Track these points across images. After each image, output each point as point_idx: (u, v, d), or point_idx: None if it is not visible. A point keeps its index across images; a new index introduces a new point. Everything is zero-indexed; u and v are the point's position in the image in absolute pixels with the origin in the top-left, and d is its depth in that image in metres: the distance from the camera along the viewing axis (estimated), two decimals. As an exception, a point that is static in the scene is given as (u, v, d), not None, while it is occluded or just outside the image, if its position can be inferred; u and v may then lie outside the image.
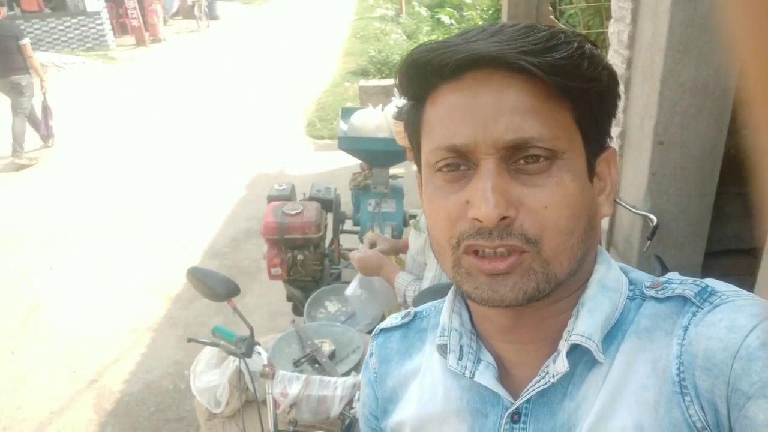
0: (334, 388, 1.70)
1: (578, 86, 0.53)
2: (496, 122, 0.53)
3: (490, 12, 10.09)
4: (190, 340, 1.79)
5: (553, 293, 0.57)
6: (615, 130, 2.79)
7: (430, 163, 0.58)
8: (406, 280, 1.83)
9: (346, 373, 1.85)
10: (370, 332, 2.23)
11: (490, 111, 0.53)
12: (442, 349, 0.65)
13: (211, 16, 16.77)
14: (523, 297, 0.55)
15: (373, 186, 2.68)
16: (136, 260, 4.52)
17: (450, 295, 0.67)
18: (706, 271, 2.81)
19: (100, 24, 13.73)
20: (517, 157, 0.54)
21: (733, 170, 2.97)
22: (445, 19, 11.69)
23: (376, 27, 13.29)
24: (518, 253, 0.54)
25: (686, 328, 0.53)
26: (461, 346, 0.64)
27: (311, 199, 2.80)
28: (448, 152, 0.55)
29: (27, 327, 3.73)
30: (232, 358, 1.82)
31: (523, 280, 0.54)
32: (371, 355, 0.78)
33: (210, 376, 1.86)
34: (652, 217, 2.46)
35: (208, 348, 1.92)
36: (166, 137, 7.43)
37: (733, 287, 0.56)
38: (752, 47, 0.21)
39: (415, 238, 1.91)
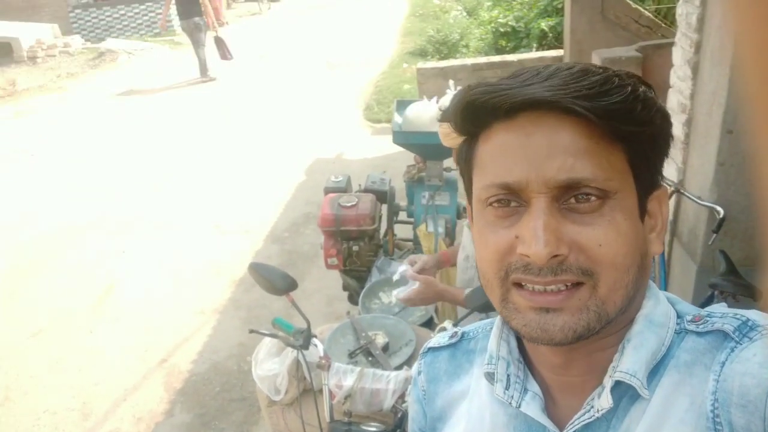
0: (387, 381, 1.75)
1: (631, 130, 0.53)
2: (549, 162, 0.53)
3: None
4: (251, 331, 1.88)
5: (603, 330, 0.57)
6: (681, 117, 2.68)
7: (482, 198, 0.59)
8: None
9: (398, 367, 1.90)
10: (422, 325, 2.28)
11: (543, 151, 0.54)
12: (490, 377, 0.66)
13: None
14: (573, 336, 0.55)
15: (427, 179, 2.69)
16: (200, 245, 4.73)
17: (498, 322, 0.68)
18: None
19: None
20: (568, 196, 0.54)
21: None
22: (506, -7, 11.36)
23: (436, 3, 13.10)
24: (573, 288, 0.55)
25: (723, 364, 0.53)
26: (508, 375, 0.65)
27: (366, 190, 2.84)
28: (499, 189, 0.56)
29: (102, 308, 3.99)
30: (290, 348, 1.90)
31: (574, 318, 0.55)
32: (419, 372, 0.80)
33: (270, 364, 1.95)
34: (719, 208, 2.36)
35: (268, 337, 2.01)
36: (227, 123, 7.65)
37: None
38: (752, 49, 0.21)
39: (471, 237, 1.90)
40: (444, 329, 1.68)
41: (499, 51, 8.61)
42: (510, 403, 0.64)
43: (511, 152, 0.55)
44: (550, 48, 7.62)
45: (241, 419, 2.95)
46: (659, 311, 0.60)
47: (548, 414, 0.63)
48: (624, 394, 0.58)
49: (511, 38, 8.94)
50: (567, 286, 0.54)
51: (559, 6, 8.38)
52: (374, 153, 6.03)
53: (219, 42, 9.18)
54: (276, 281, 1.79)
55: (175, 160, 6.58)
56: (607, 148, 0.54)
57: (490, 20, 10.00)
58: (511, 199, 0.56)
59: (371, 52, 10.53)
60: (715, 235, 2.39)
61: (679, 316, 0.61)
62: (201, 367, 3.34)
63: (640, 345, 0.58)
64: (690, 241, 2.75)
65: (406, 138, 2.45)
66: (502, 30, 9.11)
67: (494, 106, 0.55)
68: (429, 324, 2.30)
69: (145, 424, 2.97)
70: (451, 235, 2.69)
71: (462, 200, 2.84)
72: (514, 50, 8.39)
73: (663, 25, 5.71)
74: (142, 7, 14.15)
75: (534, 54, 7.14)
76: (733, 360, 0.53)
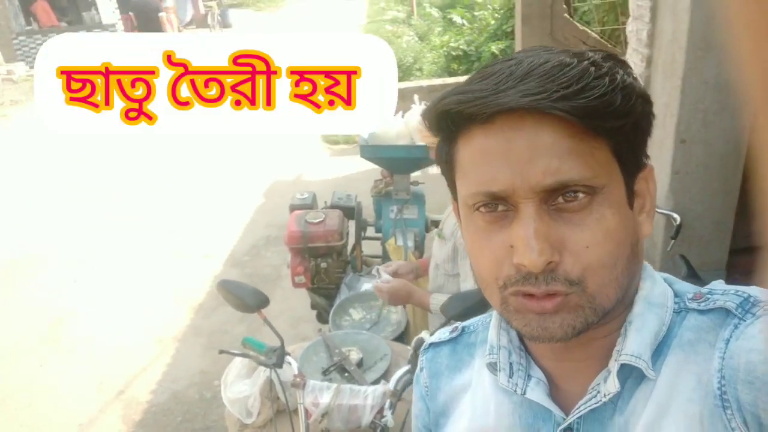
0: (364, 396, 1.70)
1: (613, 124, 0.52)
2: (533, 166, 0.52)
3: (502, 11, 10.05)
4: (221, 352, 1.81)
5: (602, 319, 0.57)
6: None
7: (468, 204, 0.58)
8: (443, 298, 1.83)
9: (375, 381, 1.86)
10: (395, 339, 2.24)
11: (525, 155, 0.52)
12: (492, 367, 0.66)
13: (224, 24, 16.91)
14: (572, 332, 0.55)
15: (395, 192, 2.69)
16: (157, 271, 4.57)
17: (496, 313, 0.67)
18: (730, 269, 2.78)
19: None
20: (555, 196, 0.54)
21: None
22: (457, 19, 11.65)
23: (388, 30, 13.31)
24: (564, 296, 0.55)
25: (728, 341, 0.53)
26: (511, 363, 0.65)
27: (333, 207, 2.81)
28: (485, 197, 0.56)
29: (54, 340, 3.79)
30: (262, 368, 1.83)
31: (571, 316, 0.55)
32: (422, 369, 0.79)
33: (241, 386, 1.87)
34: (676, 215, 2.44)
35: (238, 358, 1.94)
36: (182, 147, 7.50)
37: None
38: (751, 48, 0.20)
39: (440, 247, 1.91)
40: (422, 340, 1.66)
41: (452, 74, 8.81)
42: (515, 391, 0.63)
43: (493, 159, 0.54)
44: (501, 70, 7.83)
45: (206, 449, 2.83)
46: (657, 292, 0.60)
47: (553, 399, 0.63)
48: (628, 375, 0.58)
49: (462, 62, 9.18)
50: (557, 294, 0.54)
51: (508, 30, 8.66)
52: (334, 174, 6.01)
53: None
54: (247, 298, 1.73)
55: (128, 186, 6.39)
56: (590, 144, 0.53)
57: (442, 44, 10.24)
58: (499, 203, 0.55)
59: (326, 75, 10.56)
60: (673, 241, 2.46)
61: (677, 296, 0.61)
62: (161, 397, 3.19)
63: (641, 327, 0.58)
64: (649, 249, 2.83)
65: (373, 152, 2.45)
66: (453, 54, 9.35)
67: (470, 115, 0.54)
68: (402, 338, 2.27)
69: (103, 460, 2.81)
70: (420, 248, 2.68)
71: (430, 214, 2.85)
72: (466, 73, 8.60)
73: (609, 45, 5.96)
74: (89, 33, 13.87)
75: (487, 75, 7.32)
76: (738, 337, 0.53)
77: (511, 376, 0.64)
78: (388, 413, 1.65)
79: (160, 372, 3.38)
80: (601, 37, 6.05)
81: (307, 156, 6.85)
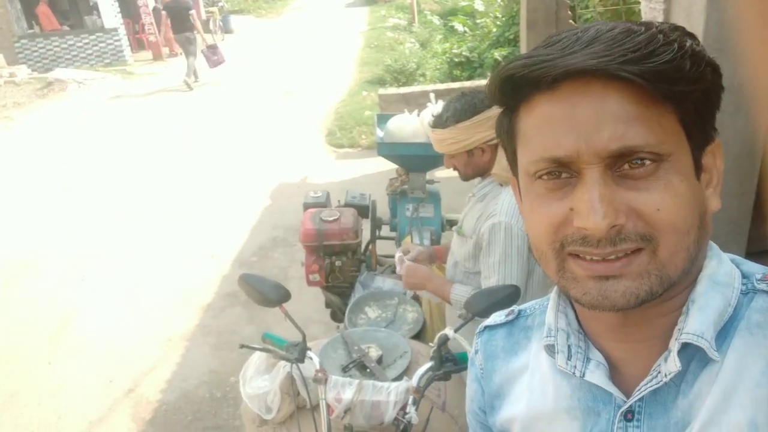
0: (387, 393, 1.69)
1: (682, 89, 0.51)
2: (598, 132, 0.51)
3: (504, 19, 10.10)
4: (242, 347, 1.79)
5: (665, 293, 0.55)
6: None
7: (530, 173, 0.57)
8: (467, 291, 1.81)
9: (396, 378, 1.84)
10: (412, 337, 2.23)
11: (591, 121, 0.52)
12: (550, 350, 0.65)
13: (226, 29, 16.97)
14: (635, 301, 0.53)
15: (410, 191, 2.68)
16: (165, 271, 4.55)
17: (554, 295, 0.67)
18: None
19: (118, 40, 13.98)
20: (621, 163, 0.52)
21: (771, 170, 2.93)
22: (458, 26, 11.71)
23: (390, 36, 13.36)
24: (632, 254, 0.53)
25: None
26: (569, 346, 0.64)
27: (347, 205, 2.81)
28: (549, 163, 0.55)
29: (61, 338, 3.77)
30: (282, 363, 1.82)
31: (636, 283, 0.53)
32: (476, 351, 0.79)
33: (260, 382, 1.86)
34: (692, 217, 2.43)
35: (257, 354, 1.92)
36: (188, 149, 7.51)
37: None
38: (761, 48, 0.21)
39: (460, 245, 1.90)
40: (446, 336, 1.65)
41: (455, 80, 8.83)
42: (573, 373, 0.62)
43: (558, 124, 0.53)
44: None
45: (217, 449, 2.81)
46: (722, 271, 0.59)
47: (613, 382, 0.61)
48: (692, 357, 0.57)
49: (465, 68, 9.20)
50: (627, 253, 0.53)
51: (511, 37, 8.69)
52: (340, 177, 6.01)
53: (212, 50, 10.59)
54: (268, 292, 1.72)
55: (136, 186, 6.38)
56: (657, 110, 0.52)
57: (444, 51, 10.28)
58: (562, 170, 0.54)
59: (329, 80, 10.61)
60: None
61: (745, 276, 0.60)
62: (170, 396, 3.17)
63: (705, 305, 0.56)
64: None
65: (390, 149, 2.45)
66: (456, 60, 9.37)
67: (536, 78, 0.53)
68: (418, 336, 2.26)
69: (113, 459, 2.79)
70: (436, 247, 2.67)
71: (445, 213, 2.84)
72: (468, 79, 8.62)
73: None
74: (92, 37, 13.88)
75: (492, 81, 7.34)
76: None
77: (569, 358, 0.63)
78: (411, 410, 1.63)
79: (169, 371, 3.36)
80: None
81: (312, 159, 6.85)
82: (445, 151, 1.82)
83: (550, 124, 0.54)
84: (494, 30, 9.87)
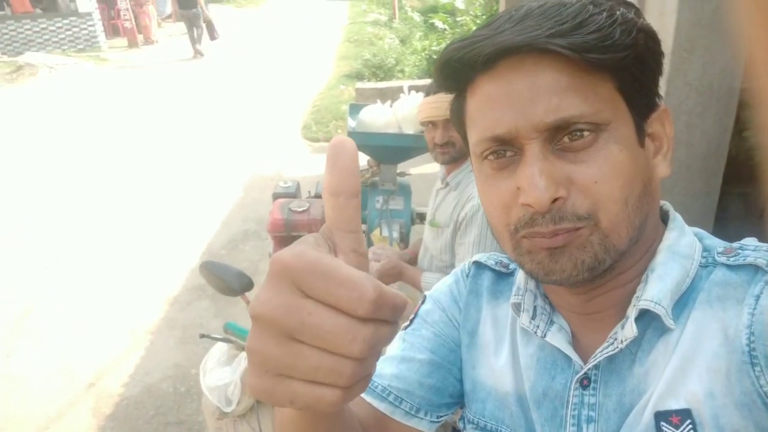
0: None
1: (612, 57, 0.51)
2: (534, 106, 0.52)
3: (484, 17, 10.12)
4: (202, 336, 1.75)
5: (618, 265, 0.56)
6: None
7: (477, 153, 0.59)
8: (435, 277, 1.81)
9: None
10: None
11: (526, 96, 0.53)
12: (517, 308, 0.66)
13: (212, 36, 16.70)
14: (583, 268, 0.54)
15: (381, 183, 2.66)
16: (132, 262, 4.46)
17: None
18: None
19: (92, 25, 13.67)
20: (560, 136, 0.53)
21: (736, 170, 2.99)
22: (439, 24, 11.70)
23: (369, 31, 13.31)
24: (575, 230, 0.54)
25: (758, 297, 0.52)
26: (535, 307, 0.65)
27: (317, 196, 2.77)
28: (492, 142, 0.56)
29: (21, 329, 3.66)
30: (243, 355, 1.78)
31: (580, 251, 0.54)
32: (467, 275, 0.77)
33: (221, 373, 1.82)
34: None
35: (218, 345, 1.89)
36: (160, 139, 7.38)
37: None
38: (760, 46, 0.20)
39: (435, 237, 1.89)
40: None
41: (433, 77, 8.84)
42: (535, 332, 0.64)
43: (496, 102, 0.55)
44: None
45: (179, 443, 2.76)
46: (683, 242, 0.60)
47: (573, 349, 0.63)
48: (648, 325, 0.58)
49: (444, 65, 9.20)
50: (569, 230, 0.54)
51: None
52: (314, 171, 5.95)
53: (209, 25, 12.34)
54: (231, 281, 1.69)
55: (100, 172, 6.25)
56: (591, 80, 0.52)
57: (424, 48, 10.28)
58: (506, 149, 0.56)
59: (307, 73, 10.53)
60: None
61: (706, 250, 0.60)
62: (133, 390, 3.10)
63: (664, 274, 0.57)
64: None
65: (361, 139, 2.42)
66: (435, 57, 9.36)
67: (471, 59, 0.54)
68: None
69: (71, 454, 2.72)
70: (405, 240, 2.66)
71: (415, 206, 2.82)
72: (447, 76, 8.61)
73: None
74: (65, 21, 13.54)
75: (469, 78, 7.36)
76: None
77: (533, 318, 0.65)
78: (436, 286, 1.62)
79: (132, 364, 3.28)
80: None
81: (287, 152, 6.79)
82: (444, 114, 1.75)
83: (490, 103, 0.55)
84: (474, 28, 9.84)
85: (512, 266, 0.76)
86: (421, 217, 2.80)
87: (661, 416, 0.55)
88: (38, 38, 13.47)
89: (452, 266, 1.89)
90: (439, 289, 0.79)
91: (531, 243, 0.56)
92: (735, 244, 0.59)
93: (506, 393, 0.69)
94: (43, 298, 3.98)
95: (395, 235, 2.56)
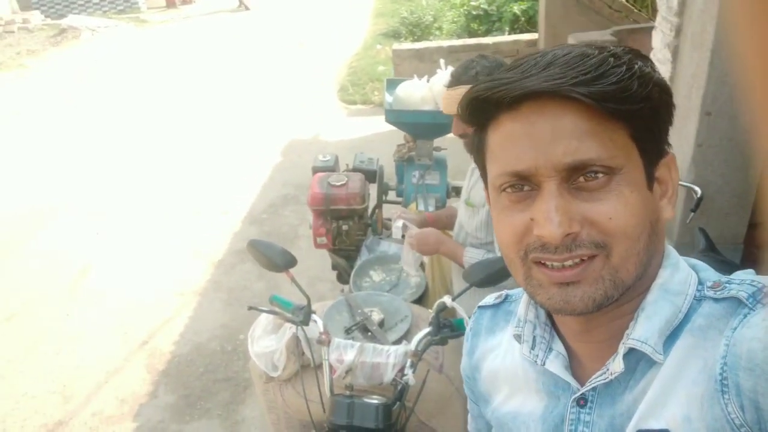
0: (387, 355, 1.77)
1: (629, 108, 0.55)
2: (554, 147, 0.56)
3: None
4: (250, 308, 1.87)
5: (620, 298, 0.61)
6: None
7: (496, 186, 0.63)
8: (479, 253, 1.86)
9: (396, 342, 1.92)
10: (414, 301, 2.30)
11: (547, 137, 0.57)
12: (518, 338, 0.72)
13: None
14: (593, 305, 0.59)
15: (417, 158, 2.70)
16: (177, 226, 4.66)
17: None
18: (747, 242, 2.80)
19: (130, -13, 13.77)
20: (576, 176, 0.57)
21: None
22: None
23: (407, -14, 13.01)
24: (588, 260, 0.58)
25: (735, 329, 0.56)
26: (534, 337, 0.71)
27: (355, 170, 2.84)
28: (511, 176, 0.60)
29: (78, 290, 3.91)
30: (288, 324, 1.90)
31: (592, 288, 0.59)
32: (470, 330, 0.88)
33: (267, 341, 1.95)
34: (697, 188, 2.44)
35: (264, 314, 2.01)
36: (202, 102, 7.50)
37: None
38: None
39: (470, 216, 1.93)
40: (444, 304, 1.72)
41: (472, 34, 8.64)
42: (535, 361, 0.70)
43: (519, 141, 0.58)
44: (522, 32, 7.68)
45: (227, 399, 2.95)
46: (676, 279, 0.63)
47: (574, 373, 0.69)
48: (641, 358, 0.62)
49: (483, 21, 8.97)
50: (583, 259, 0.58)
51: (531, -10, 8.43)
52: (351, 135, 6.01)
53: None
54: (275, 258, 1.78)
55: (147, 140, 6.45)
56: (608, 127, 0.56)
57: (462, 3, 10.01)
58: (524, 184, 0.60)
59: (343, 32, 10.43)
60: (692, 213, 2.47)
61: (700, 283, 0.64)
62: (183, 348, 3.31)
63: (653, 314, 0.61)
64: (668, 221, 2.84)
65: (398, 116, 2.46)
66: (474, 13, 9.13)
67: (498, 100, 0.58)
68: (420, 301, 2.33)
69: (129, 406, 2.94)
70: (441, 214, 2.71)
71: (451, 180, 2.87)
72: (486, 33, 8.42)
73: (635, 9, 5.82)
74: (105, -18, 13.69)
75: (508, 37, 7.19)
76: (744, 325, 0.56)
77: (533, 348, 0.70)
78: (409, 372, 1.71)
79: (182, 324, 3.49)
80: (627, 2, 5.90)
81: (324, 115, 6.83)
82: (451, 112, 1.80)
83: (512, 141, 0.59)
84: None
85: (505, 293, 0.85)
86: (457, 191, 2.84)
87: None
88: (79, 0, 13.66)
89: (488, 244, 1.94)
90: (462, 359, 0.89)
91: (542, 274, 0.60)
92: (724, 278, 0.63)
93: (517, 414, 0.76)
94: (97, 262, 4.22)
95: (431, 209, 2.61)
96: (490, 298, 0.87)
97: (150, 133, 6.62)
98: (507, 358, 0.79)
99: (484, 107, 0.61)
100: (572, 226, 0.57)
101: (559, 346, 0.70)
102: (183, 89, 8.09)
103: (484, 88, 0.60)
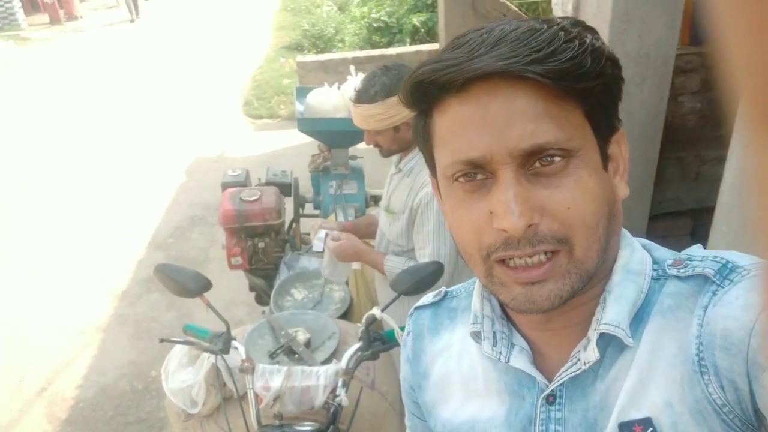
0: (317, 377, 1.67)
1: (585, 86, 0.53)
2: (510, 131, 0.53)
3: (421, -17, 10.03)
4: (162, 341, 1.71)
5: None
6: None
7: (447, 175, 0.59)
8: (400, 262, 1.81)
9: (326, 361, 1.83)
10: (340, 317, 2.22)
11: (502, 121, 0.53)
12: (476, 336, 0.67)
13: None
14: (559, 302, 0.56)
15: (333, 167, 2.63)
16: (76, 254, 4.29)
17: (479, 283, 0.68)
18: (649, 234, 2.95)
19: (9, 1, 12.73)
20: (532, 161, 0.54)
21: (672, 135, 3.11)
22: (375, -10, 11.53)
23: (306, -1, 12.98)
24: (552, 256, 0.55)
25: (705, 308, 0.55)
26: (494, 333, 0.66)
27: (268, 183, 2.72)
28: (464, 165, 0.56)
29: (-39, 336, 3.48)
30: (206, 355, 1.75)
31: (558, 285, 0.56)
32: (408, 333, 0.81)
33: (184, 375, 1.78)
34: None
35: (178, 346, 1.84)
36: (94, 121, 7.03)
37: (755, 259, 0.57)
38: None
39: (391, 223, 1.89)
40: (373, 316, 1.64)
41: (374, 46, 8.73)
42: (499, 359, 0.65)
43: (471, 126, 0.55)
44: (423, 42, 7.85)
45: (142, 442, 2.71)
46: (635, 259, 0.62)
47: (537, 367, 0.65)
48: (608, 344, 0.60)
49: (384, 33, 9.09)
50: (546, 255, 0.55)
51: (428, 2, 8.65)
52: (259, 150, 5.83)
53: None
54: (187, 282, 1.64)
55: (43, 160, 5.95)
56: (563, 107, 0.54)
57: (363, 16, 10.10)
58: (477, 172, 0.56)
59: (245, 45, 10.20)
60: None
61: (656, 262, 0.62)
62: (88, 392, 3.01)
63: (620, 295, 0.59)
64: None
65: (311, 125, 2.37)
66: (375, 25, 9.25)
67: (445, 83, 0.54)
68: (346, 316, 2.25)
69: (28, 463, 2.63)
70: (361, 224, 2.64)
71: (369, 189, 2.81)
72: (388, 45, 8.54)
73: (526, 18, 6.11)
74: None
75: (411, 48, 7.32)
76: (716, 303, 0.54)
77: (495, 344, 0.65)
78: (341, 392, 1.63)
79: (85, 365, 3.18)
80: (520, 10, 6.18)
81: (230, 131, 6.60)
82: (371, 128, 1.77)
83: (463, 126, 0.55)
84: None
85: (444, 290, 0.80)
86: (376, 200, 2.80)
87: (624, 426, 0.58)
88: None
89: (409, 251, 1.90)
90: (403, 368, 0.82)
91: (505, 274, 0.57)
92: (683, 255, 0.62)
93: (475, 422, 0.70)
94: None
95: (350, 219, 2.54)
96: (427, 298, 0.81)
97: (45, 153, 6.10)
98: (463, 359, 0.72)
99: (430, 91, 0.56)
100: (533, 216, 0.54)
101: (520, 341, 0.66)
102: (75, 108, 7.54)
103: (429, 71, 0.55)
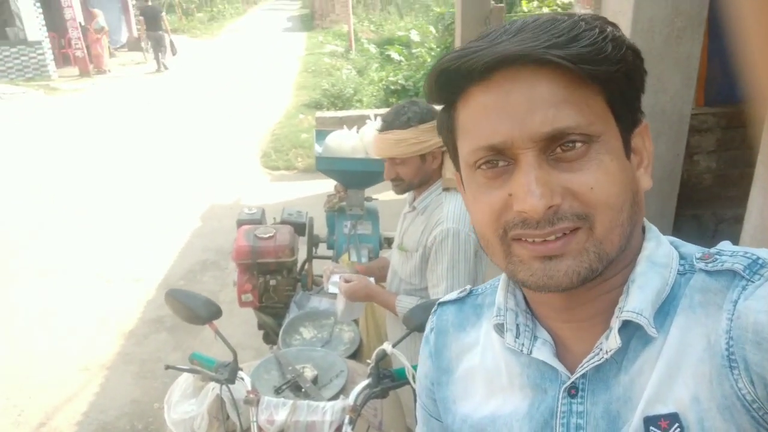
0: (323, 413, 1.62)
1: (606, 70, 0.54)
2: (531, 117, 0.54)
3: (438, 49, 10.39)
4: (168, 367, 1.68)
5: (605, 271, 0.57)
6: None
7: (470, 163, 0.59)
8: (411, 301, 1.79)
9: (332, 398, 1.78)
10: (350, 357, 2.17)
11: (523, 106, 0.54)
12: (499, 329, 0.67)
13: (173, 50, 16.54)
14: (578, 279, 0.56)
15: (349, 208, 2.64)
16: (84, 294, 4.28)
17: (504, 276, 0.69)
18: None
19: (41, 53, 13.34)
20: (554, 146, 0.55)
21: (688, 193, 3.11)
22: (394, 55, 11.94)
23: (327, 62, 13.44)
24: (571, 233, 0.55)
25: (735, 303, 0.54)
26: (517, 325, 0.66)
27: (283, 222, 2.73)
28: (486, 151, 0.57)
29: (-36, 368, 3.44)
30: (210, 386, 1.72)
31: (576, 261, 0.55)
32: (431, 330, 0.80)
33: (186, 406, 1.74)
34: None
35: (183, 376, 1.81)
36: (116, 167, 7.19)
37: None
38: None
39: (404, 261, 1.88)
40: (384, 351, 1.61)
41: (391, 107, 8.95)
42: (521, 351, 0.65)
43: (493, 112, 0.56)
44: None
45: (138, 484, 2.61)
46: (661, 252, 0.61)
47: (561, 361, 0.64)
48: (633, 334, 0.59)
49: (401, 95, 9.36)
50: (565, 233, 0.55)
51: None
52: (274, 199, 5.88)
53: (171, 45, 14.37)
54: (198, 308, 1.63)
55: (58, 202, 6.03)
56: (585, 93, 0.55)
57: (380, 79, 10.44)
58: (499, 159, 0.57)
59: (266, 103, 10.50)
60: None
61: (682, 257, 0.62)
62: (87, 429, 2.94)
63: (644, 284, 0.58)
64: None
65: (329, 164, 2.41)
66: (392, 88, 9.54)
67: (468, 69, 0.55)
68: (355, 356, 2.20)
69: (18, 501, 2.53)
70: (374, 265, 2.63)
71: (384, 231, 2.81)
72: (405, 106, 8.74)
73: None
74: (14, 49, 13.17)
75: (428, 107, 7.48)
76: (747, 297, 0.53)
77: (517, 336, 0.65)
78: (348, 429, 1.58)
79: (86, 402, 3.11)
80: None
81: (246, 181, 6.71)
82: (400, 153, 1.76)
83: (486, 113, 0.56)
84: (429, 60, 10.12)
85: (468, 287, 0.80)
86: (389, 242, 2.79)
87: (650, 421, 0.56)
88: (-15, 67, 13.05)
89: (421, 290, 1.88)
90: (424, 365, 0.81)
91: (523, 249, 0.57)
92: (713, 250, 0.61)
93: (496, 417, 0.69)
94: (-12, 335, 3.76)
95: (363, 260, 2.54)
96: (451, 295, 0.81)
97: (61, 195, 6.20)
98: (487, 355, 0.72)
99: (453, 80, 0.58)
100: (554, 198, 0.54)
101: (543, 333, 0.66)
102: (98, 154, 7.74)
103: (453, 58, 0.56)
